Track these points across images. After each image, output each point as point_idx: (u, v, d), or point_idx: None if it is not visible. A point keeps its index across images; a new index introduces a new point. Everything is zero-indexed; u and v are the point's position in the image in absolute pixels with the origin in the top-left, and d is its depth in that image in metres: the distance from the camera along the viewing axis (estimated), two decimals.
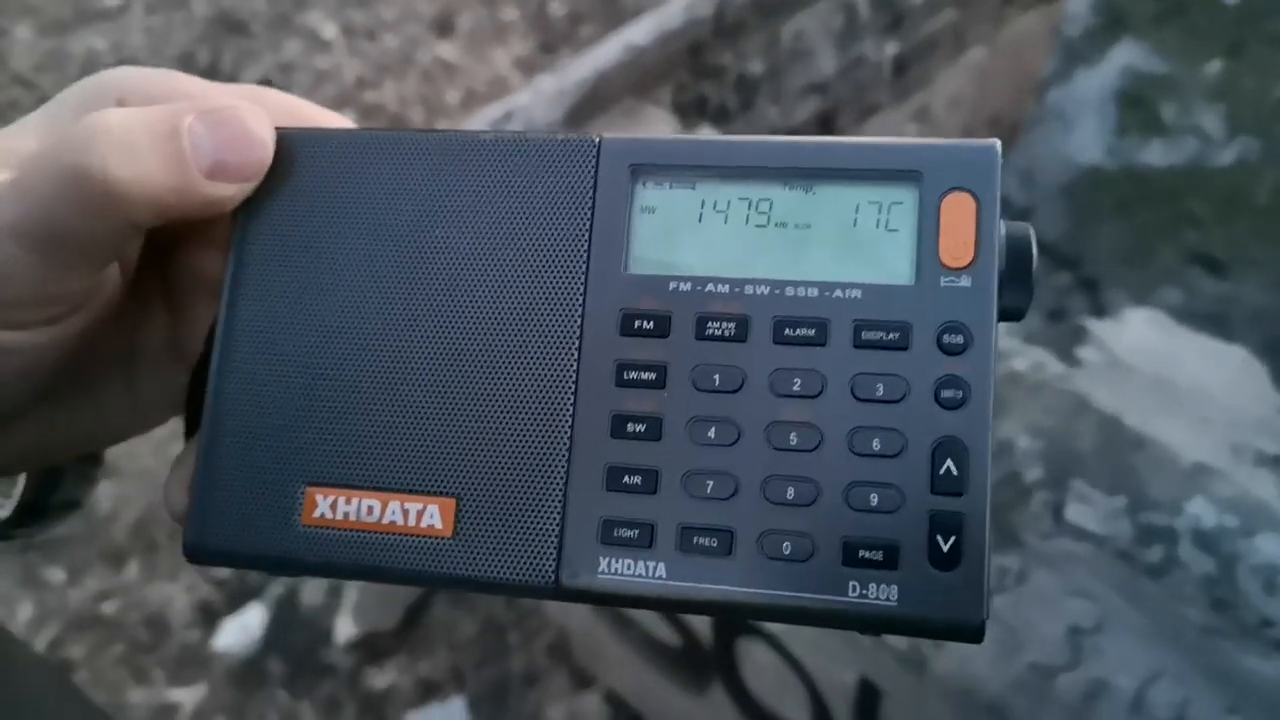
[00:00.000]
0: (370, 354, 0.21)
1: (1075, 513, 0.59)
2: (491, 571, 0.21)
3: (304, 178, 0.22)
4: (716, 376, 0.20)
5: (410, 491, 0.21)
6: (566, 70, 0.89)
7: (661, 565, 0.20)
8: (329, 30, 2.08)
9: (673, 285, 0.21)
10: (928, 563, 0.19)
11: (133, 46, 2.06)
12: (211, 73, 2.00)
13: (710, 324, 0.21)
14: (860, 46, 1.05)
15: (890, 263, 0.21)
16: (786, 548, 0.20)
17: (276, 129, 0.22)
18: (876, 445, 0.20)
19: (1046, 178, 1.03)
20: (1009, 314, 0.21)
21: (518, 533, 0.21)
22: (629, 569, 0.20)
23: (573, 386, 0.21)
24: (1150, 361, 0.64)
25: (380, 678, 1.20)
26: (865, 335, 0.20)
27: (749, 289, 0.21)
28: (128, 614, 1.25)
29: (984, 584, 0.20)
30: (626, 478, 0.21)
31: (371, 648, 1.21)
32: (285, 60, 2.02)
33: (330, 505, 0.21)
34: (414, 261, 0.22)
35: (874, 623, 0.20)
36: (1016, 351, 0.63)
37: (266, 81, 1.98)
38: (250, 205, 0.22)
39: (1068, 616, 0.61)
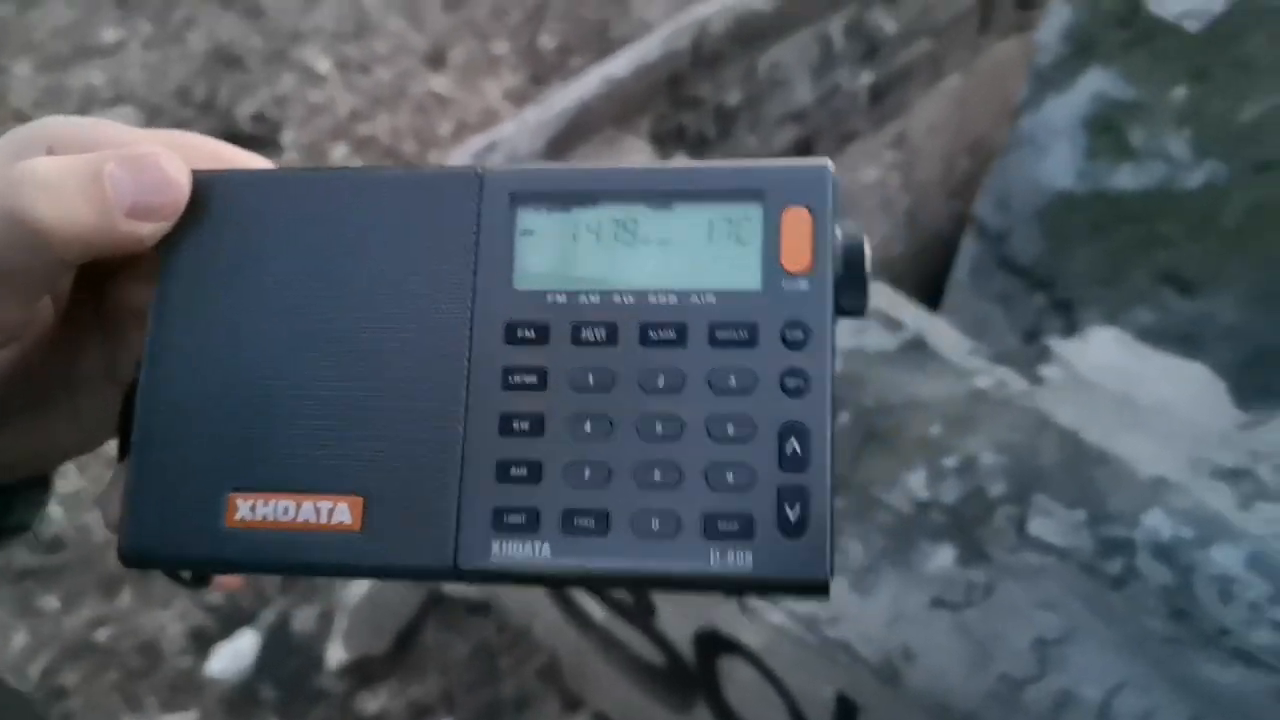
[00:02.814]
0: (283, 371, 0.24)
1: (1038, 526, 0.61)
2: (397, 560, 0.23)
3: (218, 214, 0.25)
4: (590, 377, 0.23)
5: (322, 492, 0.23)
6: (550, 102, 0.91)
7: (546, 546, 0.23)
8: (323, 64, 2.12)
9: (550, 298, 0.24)
10: (778, 531, 0.22)
11: (130, 81, 2.09)
12: (208, 106, 2.03)
13: (583, 330, 0.23)
14: (836, 76, 1.07)
15: (740, 271, 0.23)
16: (655, 524, 0.22)
17: (193, 171, 0.24)
18: (731, 431, 0.22)
19: (1020, 202, 1.06)
20: (848, 311, 0.23)
21: (419, 525, 0.23)
22: (518, 551, 0.23)
23: (464, 392, 0.23)
24: (1112, 379, 0.66)
25: (372, 702, 1.21)
26: (719, 335, 0.23)
27: (617, 298, 0.23)
28: (121, 641, 1.26)
29: (827, 547, 0.22)
30: (513, 470, 0.23)
31: (363, 672, 1.22)
32: (280, 94, 2.05)
33: (250, 508, 0.24)
34: (319, 287, 0.24)
35: (733, 585, 0.22)
36: (981, 370, 0.65)
37: (261, 116, 2.02)
38: (171, 240, 0.24)
39: (1034, 628, 0.62)
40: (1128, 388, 0.65)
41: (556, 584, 0.23)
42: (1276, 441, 0.62)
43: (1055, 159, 1.03)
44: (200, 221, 0.24)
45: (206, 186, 0.25)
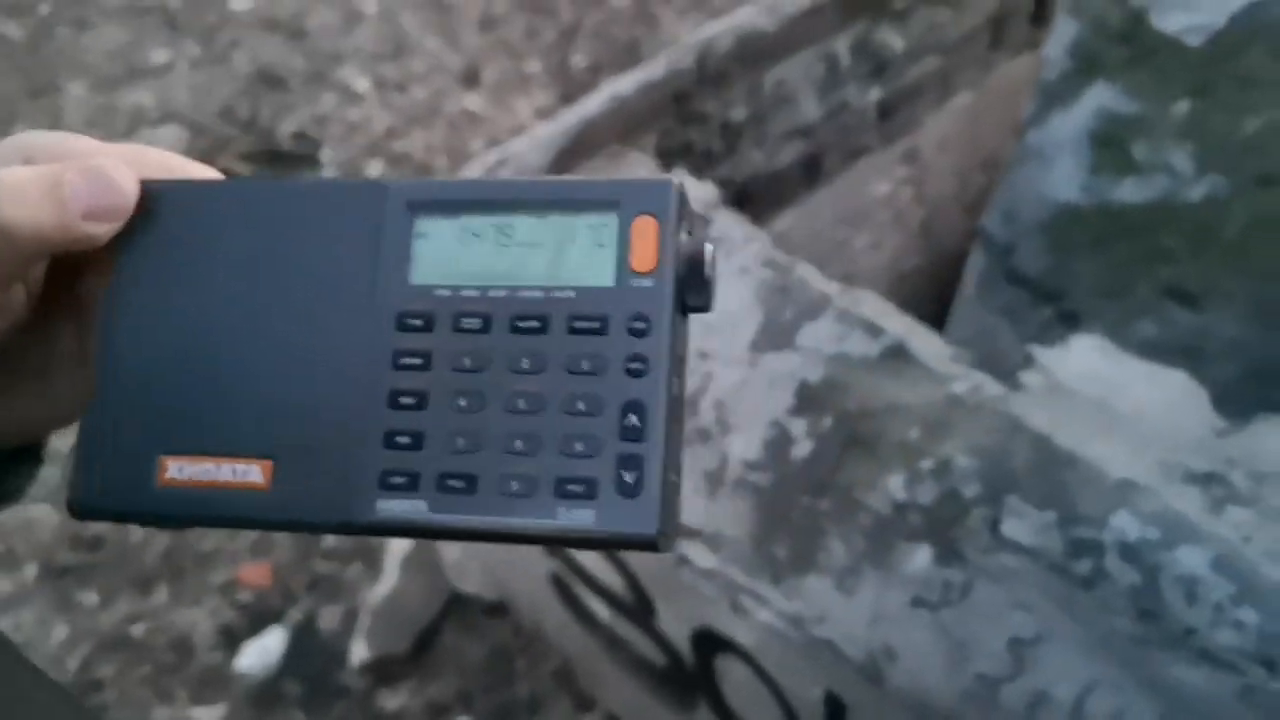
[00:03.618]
0: (210, 351, 0.28)
1: (1011, 527, 0.62)
2: (299, 515, 0.27)
3: (162, 217, 0.29)
4: (467, 360, 0.27)
5: (238, 455, 0.28)
6: (559, 119, 0.95)
7: (424, 503, 0.26)
8: (361, 84, 2.18)
9: (438, 292, 0.28)
10: (617, 493, 0.25)
11: (178, 102, 2.18)
12: (250, 125, 2.11)
13: (463, 320, 0.27)
14: (843, 93, 1.10)
15: (597, 270, 0.27)
16: (515, 486, 0.26)
17: (142, 180, 0.29)
18: (581, 406, 0.26)
19: (1026, 215, 1.07)
20: (695, 308, 0.27)
21: (318, 484, 0.27)
22: (400, 507, 0.26)
23: (361, 371, 0.27)
24: (1091, 386, 0.68)
25: (392, 700, 1.25)
26: (576, 325, 0.26)
27: (492, 293, 0.27)
28: (155, 636, 1.31)
29: (658, 508, 0.25)
30: (399, 438, 0.27)
31: (383, 671, 1.26)
32: (320, 113, 2.12)
33: (178, 468, 0.28)
34: (245, 280, 0.29)
35: (578, 539, 0.25)
36: (959, 376, 0.67)
37: (302, 134, 2.09)
38: (122, 239, 0.29)
39: (1009, 628, 0.64)
40: (1107, 394, 0.66)
41: (433, 536, 0.26)
42: (1252, 448, 0.63)
43: (1060, 172, 1.04)
44: (147, 223, 0.29)
45: (154, 193, 0.29)
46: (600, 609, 0.96)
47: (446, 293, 0.28)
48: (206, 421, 0.28)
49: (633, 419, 0.26)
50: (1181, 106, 0.97)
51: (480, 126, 2.04)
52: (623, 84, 0.94)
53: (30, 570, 1.38)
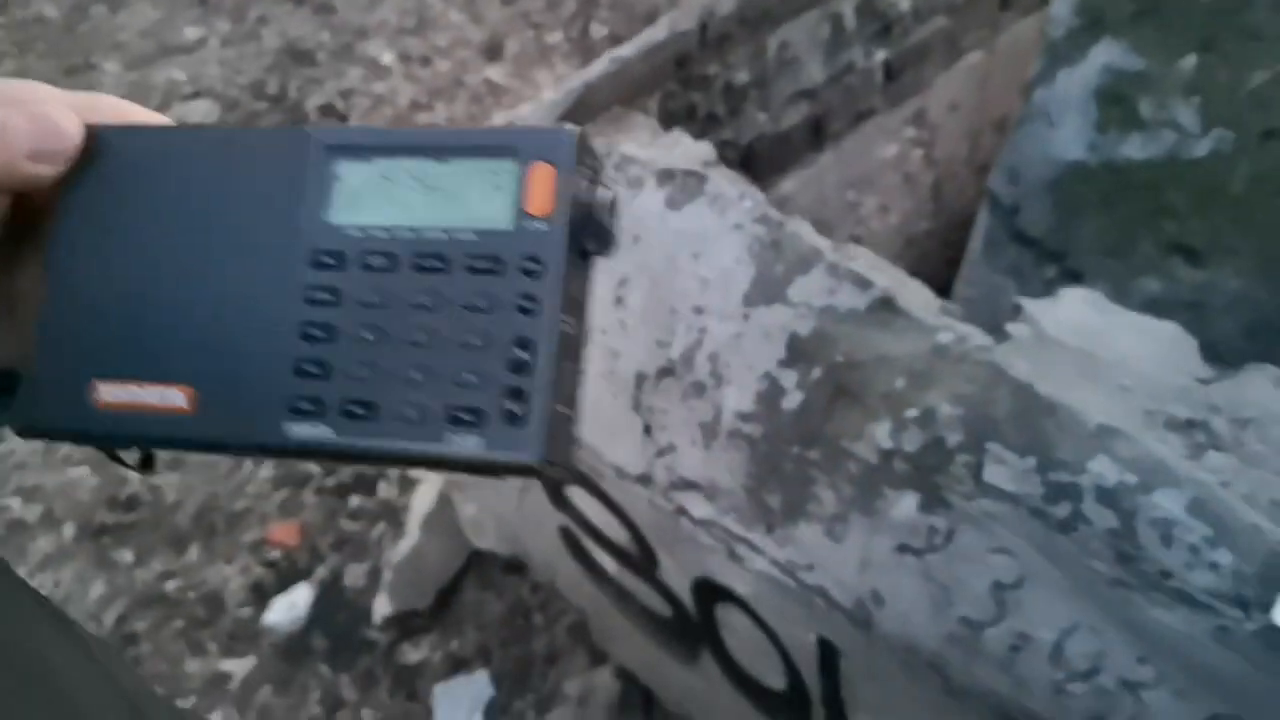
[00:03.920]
0: (144, 283, 0.31)
1: (993, 473, 0.64)
2: (220, 438, 0.30)
3: (106, 159, 0.31)
4: (373, 296, 0.29)
5: (165, 381, 0.30)
6: (564, 84, 0.96)
7: (330, 428, 0.29)
8: (387, 57, 2.21)
9: (350, 232, 0.30)
10: (504, 422, 0.27)
11: (209, 77, 2.22)
12: (280, 99, 2.14)
13: (370, 258, 0.29)
14: (848, 54, 1.10)
15: (497, 213, 0.28)
16: (412, 413, 0.28)
17: (89, 125, 0.31)
18: (476, 341, 0.28)
19: (1032, 174, 1.07)
20: (593, 251, 0.29)
21: (236, 409, 0.30)
22: (308, 432, 0.29)
23: (276, 305, 0.29)
24: (1078, 337, 0.68)
25: (413, 653, 1.29)
26: (474, 265, 0.28)
27: (399, 233, 0.29)
28: (187, 593, 1.36)
29: (543, 437, 0.27)
30: (308, 368, 0.29)
31: (405, 626, 1.30)
32: (346, 87, 2.15)
33: (111, 392, 0.30)
34: (179, 218, 0.31)
35: (466, 463, 0.27)
36: (945, 327, 0.68)
37: (329, 107, 2.12)
38: (68, 179, 0.31)
39: (992, 572, 0.65)
40: (1093, 345, 0.67)
41: (338, 458, 0.29)
42: (1237, 395, 0.63)
43: (1066, 131, 1.04)
44: (92, 165, 0.31)
45: (101, 138, 0.31)
46: (608, 562, 0.99)
47: (358, 233, 0.30)
48: (138, 350, 0.30)
49: (521, 354, 0.28)
50: (1188, 62, 0.97)
51: (502, 98, 2.06)
52: (625, 48, 0.95)
53: (69, 530, 1.43)
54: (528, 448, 0.27)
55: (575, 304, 0.28)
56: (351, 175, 0.30)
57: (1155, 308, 0.94)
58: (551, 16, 2.22)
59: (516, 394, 0.28)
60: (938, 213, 1.35)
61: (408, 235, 0.29)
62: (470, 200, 0.29)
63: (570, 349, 0.28)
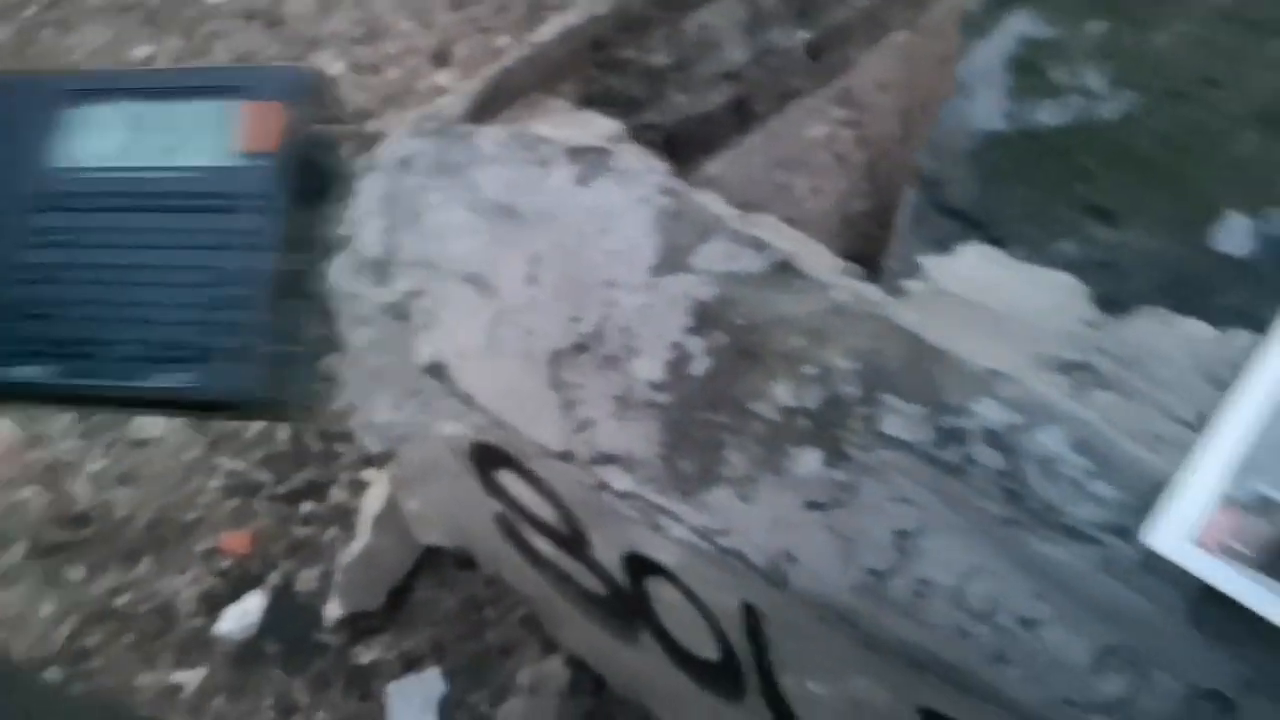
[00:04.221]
0: None
1: (888, 424, 0.64)
2: None
3: None
4: (94, 238, 0.29)
5: None
6: (484, 73, 0.97)
7: (52, 369, 0.29)
8: (337, 67, 2.21)
9: (81, 174, 0.30)
10: (222, 359, 0.27)
11: None
12: None
13: (100, 198, 0.29)
14: (769, 35, 1.11)
15: (223, 150, 0.29)
16: (128, 351, 0.28)
17: None
18: (201, 278, 0.28)
19: (955, 147, 1.08)
20: (309, 191, 0.29)
21: None
22: (30, 373, 0.29)
23: (5, 250, 0.29)
24: (971, 289, 0.69)
25: (366, 654, 1.29)
26: (195, 203, 0.28)
27: (128, 173, 0.29)
28: (138, 606, 1.36)
29: (262, 373, 0.27)
30: (31, 310, 0.29)
31: (358, 627, 1.29)
32: None
33: None
34: None
35: (185, 401, 0.27)
36: (841, 285, 0.69)
37: None
38: None
39: (893, 521, 0.66)
40: (986, 297, 0.68)
41: (61, 401, 0.29)
42: (1124, 338, 0.64)
43: (983, 102, 1.05)
44: None
45: None
46: (543, 544, 0.99)
47: (90, 175, 0.30)
48: None
49: (238, 290, 0.28)
50: (1096, 26, 0.98)
51: None
52: (541, 32, 0.96)
53: (19, 549, 1.42)
54: (246, 383, 0.27)
55: (300, 242, 0.28)
56: (81, 120, 0.30)
57: (1074, 270, 0.95)
58: (500, 20, 2.23)
59: (232, 329, 0.27)
60: (874, 193, 1.36)
61: (129, 175, 0.30)
62: (195, 139, 0.29)
63: (294, 286, 0.28)
